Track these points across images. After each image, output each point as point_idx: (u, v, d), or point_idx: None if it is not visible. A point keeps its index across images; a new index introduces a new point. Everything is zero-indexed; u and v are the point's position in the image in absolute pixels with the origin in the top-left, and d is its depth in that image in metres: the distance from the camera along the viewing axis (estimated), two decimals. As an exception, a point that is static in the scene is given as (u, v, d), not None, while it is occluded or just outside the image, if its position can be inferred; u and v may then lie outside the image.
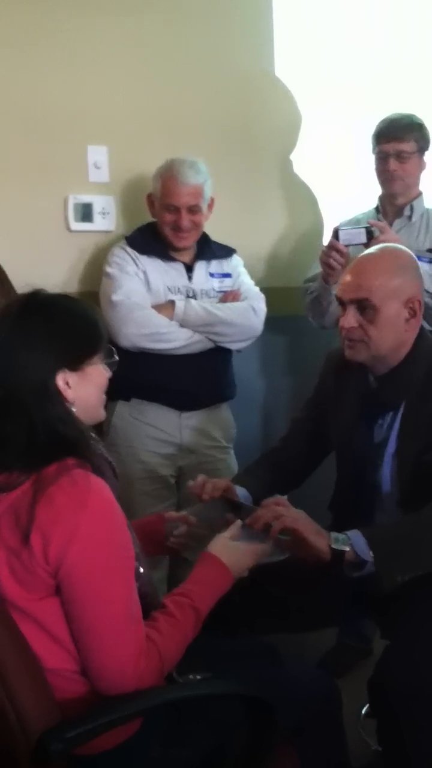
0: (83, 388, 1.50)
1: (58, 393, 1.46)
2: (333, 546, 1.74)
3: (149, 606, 1.54)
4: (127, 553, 1.45)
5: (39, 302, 1.52)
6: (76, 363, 1.49)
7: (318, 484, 2.21)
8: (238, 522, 1.74)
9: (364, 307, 1.91)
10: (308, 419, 2.22)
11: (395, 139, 2.77)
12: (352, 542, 1.75)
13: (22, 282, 2.45)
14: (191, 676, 1.58)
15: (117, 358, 1.60)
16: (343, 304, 1.96)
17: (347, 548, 1.74)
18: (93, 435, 1.57)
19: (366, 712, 2.42)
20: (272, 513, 1.77)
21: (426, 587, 1.90)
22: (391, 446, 1.98)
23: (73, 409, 1.48)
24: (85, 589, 1.38)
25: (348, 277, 1.97)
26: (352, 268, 1.99)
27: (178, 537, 1.86)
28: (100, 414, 1.59)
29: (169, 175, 2.65)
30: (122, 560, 1.43)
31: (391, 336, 1.93)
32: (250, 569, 1.68)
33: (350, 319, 1.92)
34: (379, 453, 1.99)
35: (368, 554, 1.74)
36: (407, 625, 1.88)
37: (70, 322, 1.51)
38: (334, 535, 1.76)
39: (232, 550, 1.66)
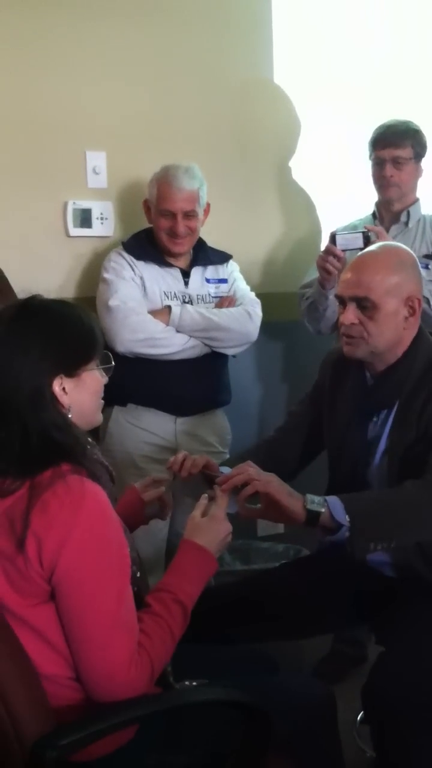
0: (79, 394, 1.50)
1: (54, 399, 1.46)
2: (308, 507, 1.74)
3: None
4: (122, 559, 1.44)
5: (35, 308, 1.51)
6: (72, 368, 1.49)
7: (312, 481, 2.21)
8: (203, 498, 1.70)
9: (364, 304, 1.90)
10: (305, 413, 2.20)
11: (392, 145, 2.78)
12: (329, 505, 1.74)
13: (20, 287, 2.47)
14: (187, 683, 1.58)
15: (113, 363, 1.60)
16: (343, 301, 1.96)
17: (323, 510, 1.73)
18: (90, 440, 1.57)
19: (361, 718, 2.42)
20: (244, 476, 1.76)
21: (420, 594, 1.91)
22: (383, 444, 1.98)
23: (70, 415, 1.48)
24: (77, 593, 1.37)
25: (348, 274, 1.97)
26: (352, 266, 1.98)
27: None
28: (97, 419, 1.59)
29: (164, 180, 2.66)
30: (115, 566, 1.42)
31: (390, 333, 1.92)
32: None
33: (350, 315, 1.91)
34: (371, 451, 2.00)
35: (344, 518, 1.73)
36: (401, 633, 1.88)
37: (65, 328, 1.50)
38: (309, 497, 1.75)
39: (202, 526, 1.62)
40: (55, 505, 1.37)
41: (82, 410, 1.51)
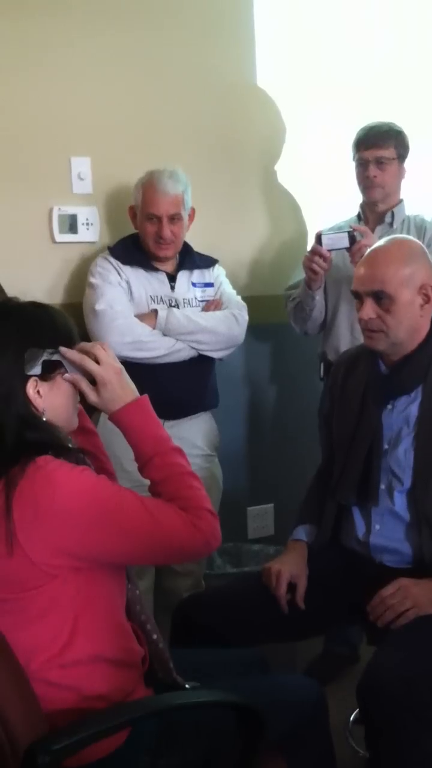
0: (55, 397, 1.49)
1: (28, 402, 1.45)
2: None
3: (137, 618, 1.56)
4: (112, 487, 1.46)
5: (9, 311, 1.51)
6: (46, 372, 1.47)
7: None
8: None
9: (380, 297, 1.97)
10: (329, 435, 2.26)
11: (374, 146, 2.79)
12: None
13: (7, 294, 2.46)
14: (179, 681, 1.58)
15: None
16: (359, 296, 2.02)
17: None
18: (70, 438, 1.57)
19: (354, 718, 2.43)
20: (392, 612, 1.87)
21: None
22: (406, 431, 2.02)
23: (45, 419, 1.47)
24: (109, 541, 1.41)
25: (362, 270, 2.03)
26: (365, 261, 2.04)
27: None
28: (73, 422, 1.57)
29: (149, 185, 2.67)
30: (114, 497, 1.43)
31: (408, 323, 1.99)
32: None
33: (368, 310, 1.98)
34: (388, 437, 2.04)
35: None
36: (395, 632, 1.88)
37: (41, 331, 1.49)
38: None
39: (108, 391, 1.55)
40: (29, 492, 1.36)
41: (56, 414, 1.49)
